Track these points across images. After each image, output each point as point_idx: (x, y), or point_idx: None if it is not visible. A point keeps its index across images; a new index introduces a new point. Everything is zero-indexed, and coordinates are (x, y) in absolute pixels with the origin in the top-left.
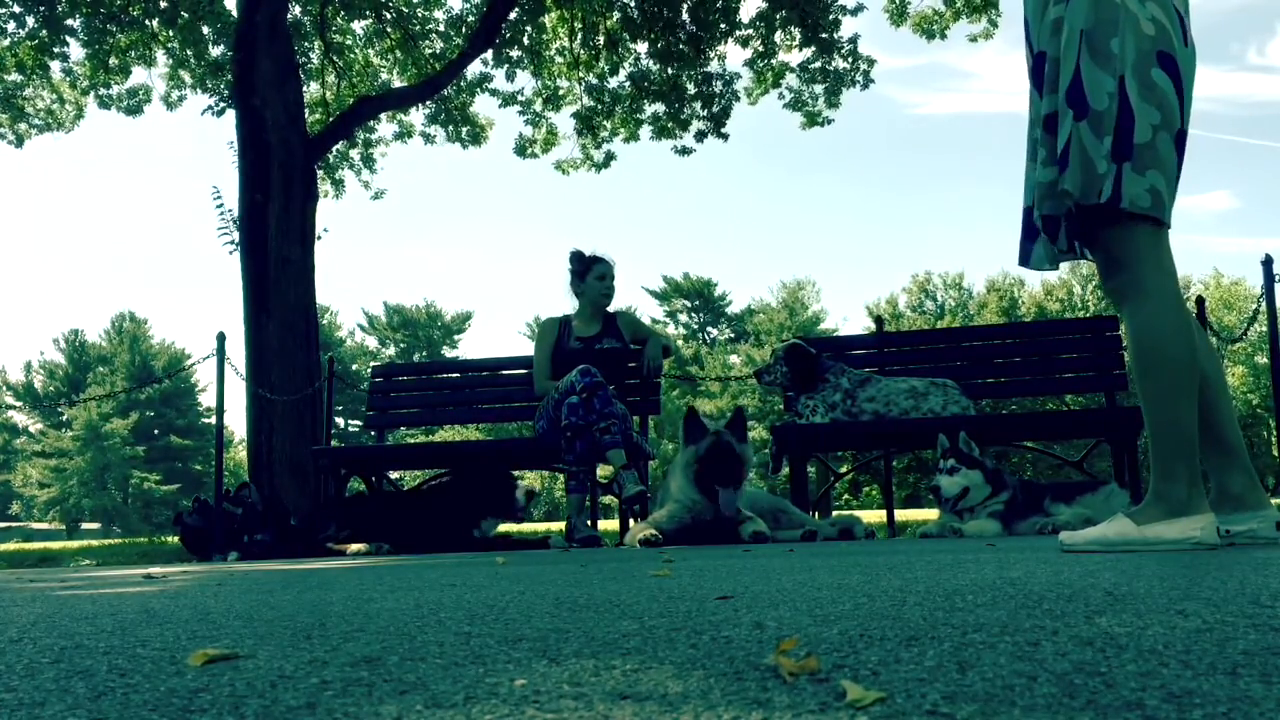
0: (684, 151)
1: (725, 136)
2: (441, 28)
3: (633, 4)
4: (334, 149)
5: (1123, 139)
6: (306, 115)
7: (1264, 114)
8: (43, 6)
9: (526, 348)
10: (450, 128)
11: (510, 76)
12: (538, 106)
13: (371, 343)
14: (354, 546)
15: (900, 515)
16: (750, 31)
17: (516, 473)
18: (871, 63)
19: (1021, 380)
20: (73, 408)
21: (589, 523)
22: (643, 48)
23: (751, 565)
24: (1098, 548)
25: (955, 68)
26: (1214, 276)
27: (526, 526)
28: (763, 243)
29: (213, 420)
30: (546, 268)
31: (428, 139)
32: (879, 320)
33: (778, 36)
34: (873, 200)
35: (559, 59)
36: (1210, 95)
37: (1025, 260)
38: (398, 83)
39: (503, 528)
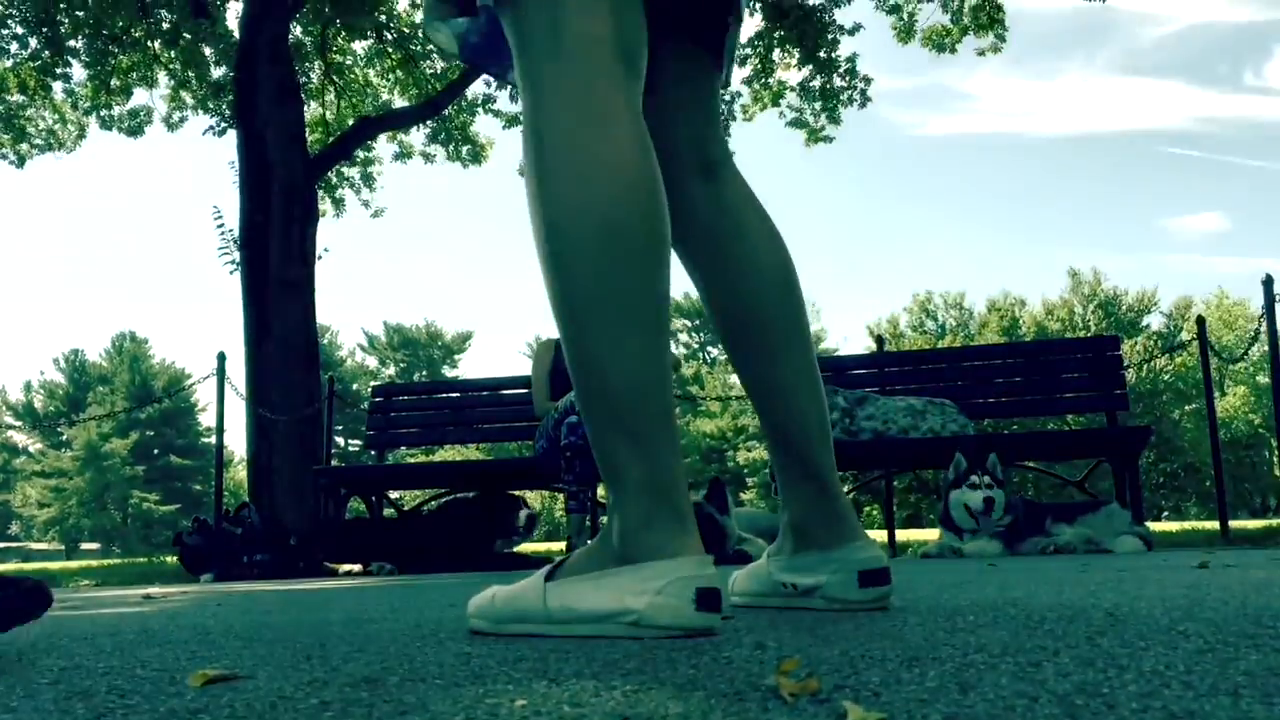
0: None
1: None
2: None
3: None
4: (334, 168)
5: None
6: (307, 135)
7: (1258, 135)
8: (45, 28)
9: (527, 367)
10: (450, 147)
11: (514, 97)
12: None
13: (372, 362)
14: (346, 567)
15: (901, 535)
16: (748, 50)
17: (519, 493)
18: (869, 81)
19: (1022, 400)
20: (72, 427)
21: (589, 543)
22: None
23: None
24: (486, 625)
25: (954, 89)
26: (1217, 295)
27: (528, 547)
28: None
29: (213, 440)
30: None
31: (427, 158)
32: (879, 340)
33: (775, 55)
34: (873, 220)
35: None
36: (1205, 116)
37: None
38: (399, 102)
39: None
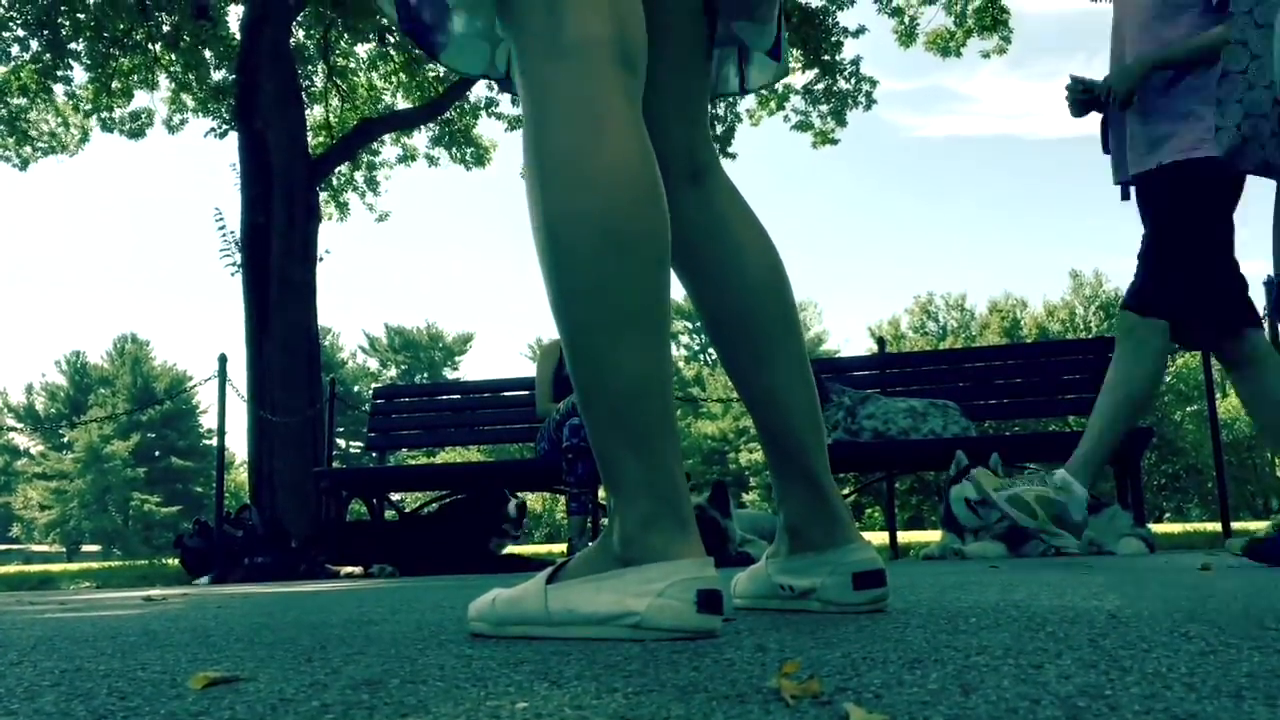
0: None
1: (732, 156)
2: None
3: None
4: (337, 171)
5: None
6: (309, 137)
7: None
8: (46, 30)
9: (528, 369)
10: (454, 149)
11: (516, 101)
12: None
13: (373, 364)
14: (347, 569)
15: (903, 537)
16: None
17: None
18: (874, 83)
19: (1024, 401)
20: (74, 429)
21: (590, 546)
22: None
23: None
24: (486, 628)
25: (954, 91)
26: None
27: (528, 549)
28: None
29: (214, 442)
30: None
31: (431, 161)
32: (881, 341)
33: None
34: (874, 222)
35: None
36: None
37: None
38: (401, 104)
39: (514, 549)
